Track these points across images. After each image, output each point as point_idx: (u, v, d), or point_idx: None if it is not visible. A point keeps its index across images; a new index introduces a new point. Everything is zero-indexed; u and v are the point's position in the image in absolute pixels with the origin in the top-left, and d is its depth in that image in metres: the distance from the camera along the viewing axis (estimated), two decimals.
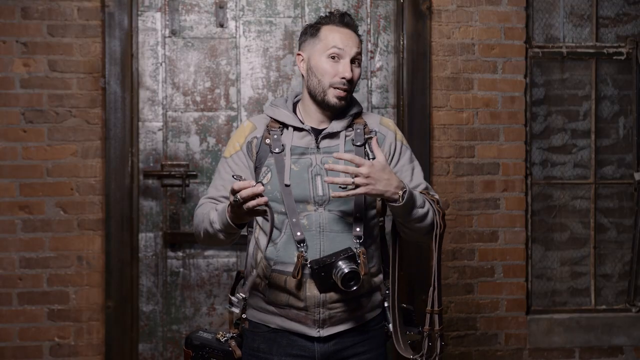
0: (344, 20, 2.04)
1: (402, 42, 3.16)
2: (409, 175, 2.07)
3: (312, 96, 2.04)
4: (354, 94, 3.12)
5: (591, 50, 3.34)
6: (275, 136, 2.03)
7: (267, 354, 2.01)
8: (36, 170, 3.02)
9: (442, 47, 3.18)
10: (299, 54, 2.09)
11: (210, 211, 1.98)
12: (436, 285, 1.96)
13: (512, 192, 3.22)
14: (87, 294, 3.04)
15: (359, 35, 2.06)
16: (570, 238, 3.36)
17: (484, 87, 3.21)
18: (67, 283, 3.03)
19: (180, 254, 3.13)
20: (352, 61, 2.01)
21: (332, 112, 2.04)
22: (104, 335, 3.04)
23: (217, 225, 1.94)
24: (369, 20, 3.21)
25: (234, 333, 2.06)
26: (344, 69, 1.99)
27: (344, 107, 2.06)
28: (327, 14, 2.08)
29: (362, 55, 2.08)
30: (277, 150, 2.01)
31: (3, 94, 3.01)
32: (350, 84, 2.01)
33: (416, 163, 2.12)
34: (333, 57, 2.00)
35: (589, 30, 3.35)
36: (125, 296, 3.04)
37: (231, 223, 1.88)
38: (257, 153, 2.03)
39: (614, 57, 3.34)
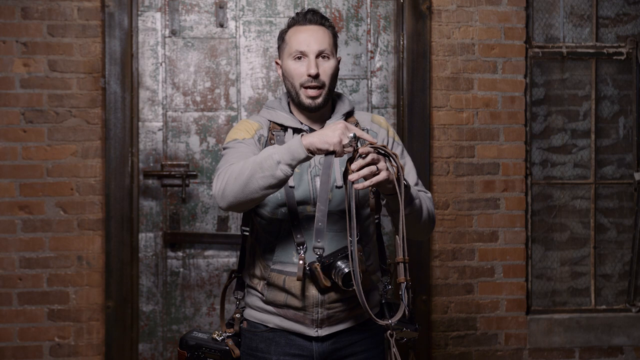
0: (307, 17, 2.02)
1: (402, 42, 3.16)
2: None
3: (292, 99, 2.06)
4: (353, 94, 3.16)
5: (591, 50, 3.34)
6: (279, 137, 2.03)
7: (265, 353, 2.01)
8: (36, 170, 3.02)
9: (442, 47, 3.18)
10: (276, 62, 2.10)
11: (265, 150, 1.84)
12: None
13: (512, 192, 3.22)
14: (87, 294, 3.04)
15: (328, 27, 2.03)
16: (570, 238, 3.36)
17: (484, 87, 3.21)
18: (67, 283, 3.04)
19: (180, 254, 3.13)
20: (319, 56, 1.99)
21: (313, 112, 2.03)
22: (104, 335, 3.04)
23: (277, 157, 1.78)
24: (369, 20, 3.21)
25: (229, 332, 2.06)
26: (308, 66, 1.98)
27: (324, 107, 2.04)
28: (296, 14, 2.07)
29: (334, 47, 2.03)
30: None
31: (3, 94, 3.01)
32: (318, 80, 1.98)
33: (408, 159, 2.11)
34: (298, 58, 2.00)
35: (589, 30, 3.35)
36: (125, 296, 3.05)
37: (306, 152, 1.77)
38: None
39: (614, 57, 3.34)
